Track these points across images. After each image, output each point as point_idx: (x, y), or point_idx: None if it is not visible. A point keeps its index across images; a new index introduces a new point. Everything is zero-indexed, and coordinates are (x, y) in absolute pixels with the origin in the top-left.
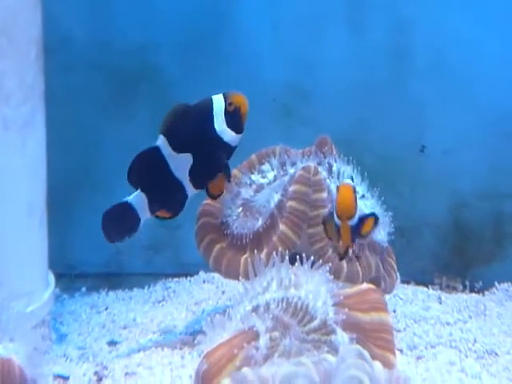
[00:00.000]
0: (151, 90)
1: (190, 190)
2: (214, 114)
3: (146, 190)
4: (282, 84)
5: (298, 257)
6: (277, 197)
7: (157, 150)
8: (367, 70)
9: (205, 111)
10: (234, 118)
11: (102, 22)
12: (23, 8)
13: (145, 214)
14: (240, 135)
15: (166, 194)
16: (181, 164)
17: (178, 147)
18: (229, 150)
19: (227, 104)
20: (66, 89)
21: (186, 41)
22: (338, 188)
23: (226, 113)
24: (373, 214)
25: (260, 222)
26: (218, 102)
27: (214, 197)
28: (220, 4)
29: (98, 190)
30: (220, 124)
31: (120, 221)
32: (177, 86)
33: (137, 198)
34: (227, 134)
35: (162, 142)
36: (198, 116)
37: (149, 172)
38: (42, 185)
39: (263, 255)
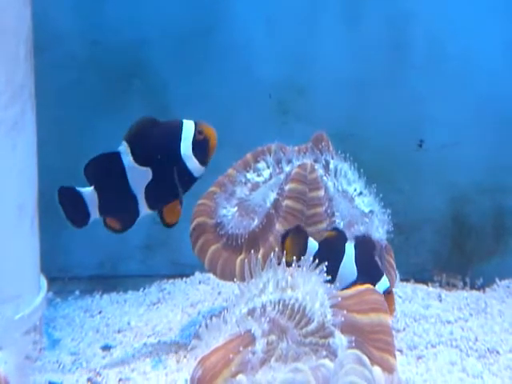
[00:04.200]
0: (144, 87)
1: (143, 208)
2: (182, 137)
3: (99, 190)
4: (278, 80)
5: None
6: (273, 196)
7: (118, 155)
8: (364, 65)
9: (173, 132)
10: (201, 148)
11: (93, 19)
12: (11, 5)
13: (94, 212)
14: (204, 168)
15: (117, 203)
16: (139, 177)
17: (139, 158)
18: (189, 178)
19: (197, 132)
20: (56, 87)
21: (179, 37)
22: (389, 292)
23: (194, 140)
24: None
25: (256, 222)
26: (188, 128)
27: (167, 225)
28: None
29: None
30: (186, 149)
31: (72, 207)
32: (170, 83)
33: (89, 193)
34: (191, 162)
35: (124, 149)
36: (166, 134)
37: (105, 174)
38: (33, 187)
39: (259, 256)
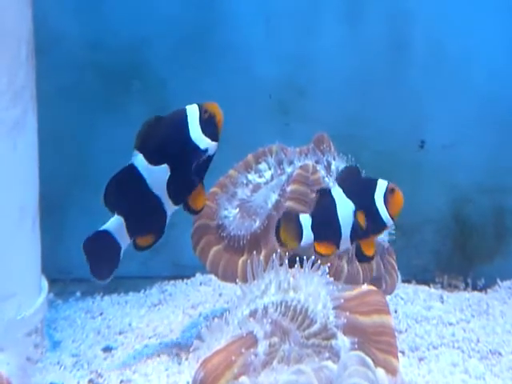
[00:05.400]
0: (143, 88)
1: (169, 206)
2: (189, 121)
3: (123, 212)
4: (278, 80)
5: (297, 259)
6: (274, 197)
7: (132, 167)
8: (364, 64)
9: (179, 120)
10: (210, 126)
11: (93, 21)
12: (12, 7)
13: (125, 241)
14: (216, 143)
15: (144, 213)
16: (158, 177)
17: (153, 159)
18: (206, 158)
19: (202, 111)
20: (57, 89)
21: (178, 37)
22: (391, 190)
23: (201, 120)
24: None
25: (257, 223)
26: (192, 111)
27: (195, 211)
28: None
29: (92, 192)
30: (195, 132)
31: (101, 253)
32: (170, 84)
33: (114, 223)
34: (204, 142)
35: (136, 157)
36: (173, 125)
37: (126, 192)
38: (34, 188)
39: (261, 257)
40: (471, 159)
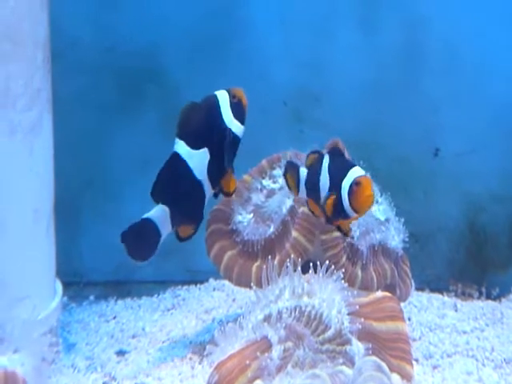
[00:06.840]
0: (158, 93)
1: (208, 190)
2: (221, 107)
3: (169, 202)
4: (293, 87)
5: (311, 264)
6: (289, 202)
7: (176, 155)
8: (379, 71)
9: (212, 106)
10: (239, 110)
11: (109, 25)
12: (28, 11)
13: (166, 229)
14: (243, 127)
15: (188, 201)
16: (200, 162)
17: (194, 144)
18: (237, 141)
19: (231, 96)
20: (72, 92)
21: (194, 43)
22: (357, 183)
23: (231, 105)
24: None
25: (272, 229)
26: (223, 96)
27: (228, 194)
28: (228, 6)
29: (106, 195)
30: (227, 116)
31: (140, 240)
32: (184, 89)
33: (158, 212)
34: (235, 125)
35: (178, 144)
36: (207, 111)
37: (172, 182)
38: (49, 191)
39: (276, 263)
40: (486, 167)
